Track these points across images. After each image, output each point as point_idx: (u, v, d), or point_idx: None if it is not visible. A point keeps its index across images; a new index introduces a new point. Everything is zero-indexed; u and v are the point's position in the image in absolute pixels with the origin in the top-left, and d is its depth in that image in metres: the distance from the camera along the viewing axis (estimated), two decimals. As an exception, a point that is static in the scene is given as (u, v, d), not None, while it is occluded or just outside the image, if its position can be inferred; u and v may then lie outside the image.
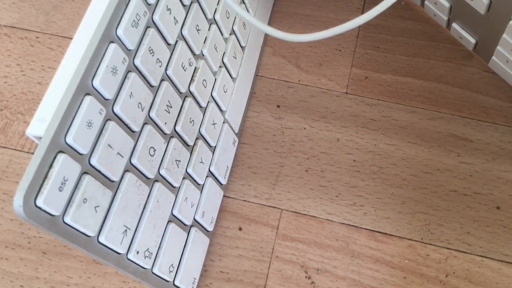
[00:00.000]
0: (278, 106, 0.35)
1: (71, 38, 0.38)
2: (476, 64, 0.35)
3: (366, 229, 0.31)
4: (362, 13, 0.38)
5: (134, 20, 0.22)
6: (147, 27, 0.23)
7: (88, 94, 0.20)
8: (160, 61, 0.24)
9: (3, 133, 0.34)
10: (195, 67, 0.28)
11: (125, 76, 0.22)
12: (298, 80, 0.36)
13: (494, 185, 0.32)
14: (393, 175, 0.32)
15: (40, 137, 0.19)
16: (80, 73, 0.19)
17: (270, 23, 0.38)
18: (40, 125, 0.20)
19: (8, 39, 0.38)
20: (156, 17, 0.23)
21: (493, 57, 0.31)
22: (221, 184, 0.31)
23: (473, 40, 0.32)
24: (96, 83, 0.20)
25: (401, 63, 0.36)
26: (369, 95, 0.35)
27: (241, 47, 0.33)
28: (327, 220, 0.31)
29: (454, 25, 0.32)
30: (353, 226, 0.31)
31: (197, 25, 0.27)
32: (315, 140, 0.34)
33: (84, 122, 0.19)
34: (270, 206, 0.32)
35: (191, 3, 0.27)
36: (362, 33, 0.37)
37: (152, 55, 0.23)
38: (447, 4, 0.31)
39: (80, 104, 0.19)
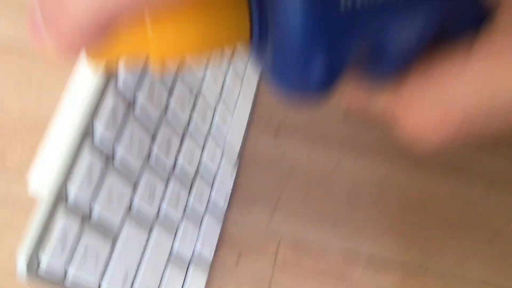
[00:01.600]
0: (278, 130, 0.35)
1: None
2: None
3: (364, 256, 0.31)
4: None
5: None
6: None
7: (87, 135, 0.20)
8: (160, 106, 0.24)
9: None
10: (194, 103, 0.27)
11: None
12: (298, 108, 0.35)
13: (494, 212, 0.32)
14: (391, 203, 0.32)
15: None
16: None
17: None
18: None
19: (3, 58, 0.37)
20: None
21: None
22: (220, 214, 0.31)
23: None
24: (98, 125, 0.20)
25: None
26: (366, 122, 0.35)
27: (240, 77, 0.33)
28: (326, 248, 0.31)
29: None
30: (351, 253, 0.31)
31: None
32: (315, 166, 0.34)
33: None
34: (269, 234, 0.32)
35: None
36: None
37: (152, 103, 0.23)
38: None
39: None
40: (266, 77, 0.13)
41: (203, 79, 0.28)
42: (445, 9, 0.12)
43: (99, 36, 0.09)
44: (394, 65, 0.13)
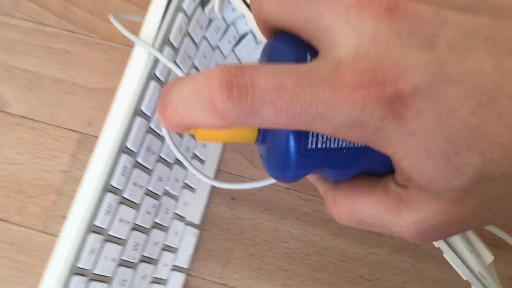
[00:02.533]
0: (233, 199, 0.44)
1: (72, 130, 0.46)
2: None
3: (293, 301, 0.42)
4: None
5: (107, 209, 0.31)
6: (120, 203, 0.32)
7: (76, 274, 0.30)
8: (128, 222, 0.33)
9: (19, 214, 0.45)
10: (159, 204, 0.37)
11: (102, 246, 0.31)
12: (250, 175, 0.44)
13: (393, 273, 0.41)
14: (316, 261, 0.42)
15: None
16: (71, 256, 0.29)
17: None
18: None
19: (19, 128, 0.47)
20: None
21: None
22: (184, 269, 0.42)
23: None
24: (81, 264, 0.30)
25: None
26: (304, 191, 0.44)
27: (201, 160, 0.42)
28: (264, 294, 0.42)
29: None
30: (282, 299, 0.42)
31: (160, 177, 0.36)
32: (260, 229, 0.43)
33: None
34: (221, 284, 0.42)
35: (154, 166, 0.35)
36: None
37: (122, 222, 0.33)
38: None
39: (68, 285, 0.29)
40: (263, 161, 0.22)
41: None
42: (372, 160, 0.19)
43: (185, 131, 0.17)
44: (335, 178, 0.21)
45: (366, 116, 0.14)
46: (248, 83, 0.14)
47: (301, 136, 0.18)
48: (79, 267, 0.30)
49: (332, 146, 0.18)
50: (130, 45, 0.48)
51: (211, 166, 0.44)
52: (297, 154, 0.18)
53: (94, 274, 0.31)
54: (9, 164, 0.46)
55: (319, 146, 0.18)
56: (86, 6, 0.51)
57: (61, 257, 0.29)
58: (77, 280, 0.30)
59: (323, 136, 0.18)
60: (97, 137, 0.46)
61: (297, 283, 0.42)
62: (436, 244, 0.29)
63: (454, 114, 0.14)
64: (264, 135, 0.20)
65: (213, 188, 0.44)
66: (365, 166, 0.19)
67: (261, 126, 0.15)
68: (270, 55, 0.19)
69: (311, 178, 0.22)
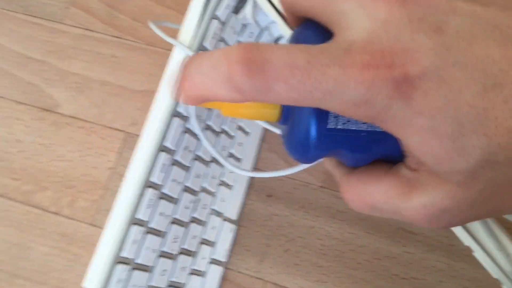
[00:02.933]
0: (269, 196, 0.45)
1: (118, 129, 0.49)
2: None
3: (327, 296, 0.43)
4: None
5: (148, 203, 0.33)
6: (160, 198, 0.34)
7: (119, 263, 0.32)
8: (167, 215, 0.35)
9: (70, 208, 0.48)
10: (197, 199, 0.39)
11: (144, 238, 0.34)
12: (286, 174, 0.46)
13: (428, 272, 0.41)
14: (351, 258, 0.43)
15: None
16: (115, 248, 0.31)
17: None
18: (90, 284, 0.32)
19: (69, 128, 0.50)
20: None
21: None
22: (222, 262, 0.43)
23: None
24: (124, 254, 0.32)
25: (369, 162, 0.44)
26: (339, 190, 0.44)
27: (238, 158, 0.43)
28: (299, 289, 0.43)
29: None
30: (317, 295, 0.43)
31: (197, 174, 0.38)
32: (295, 226, 0.44)
33: (118, 282, 0.32)
34: (257, 278, 0.44)
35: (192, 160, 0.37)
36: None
37: (167, 218, 0.35)
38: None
39: (113, 273, 0.32)
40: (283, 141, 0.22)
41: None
42: (388, 146, 0.19)
43: (200, 103, 0.18)
44: (352, 162, 0.21)
45: (374, 95, 0.15)
46: (263, 60, 0.15)
47: (322, 115, 0.18)
48: (123, 256, 0.32)
49: (351, 128, 0.19)
50: (170, 49, 0.50)
51: (247, 165, 0.45)
52: (317, 133, 0.19)
53: (137, 263, 0.33)
54: (61, 161, 0.49)
55: (339, 126, 0.18)
56: (130, 13, 0.53)
57: (106, 247, 0.32)
58: (121, 268, 0.32)
59: (343, 117, 0.18)
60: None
61: (331, 280, 0.43)
62: (466, 242, 0.29)
63: (460, 96, 0.14)
64: (287, 114, 0.21)
65: (250, 186, 0.46)
66: (381, 151, 0.19)
67: (274, 102, 0.16)
68: (294, 41, 0.20)
69: (329, 163, 0.23)
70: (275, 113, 0.21)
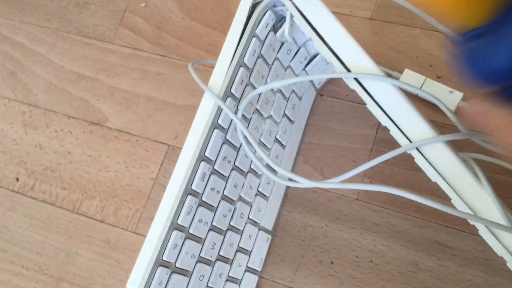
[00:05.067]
0: (304, 208, 0.47)
1: (161, 142, 0.52)
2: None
3: (361, 308, 0.43)
4: (377, 128, 0.47)
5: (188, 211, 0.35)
6: (198, 206, 0.36)
7: (160, 265, 0.34)
8: (206, 222, 0.37)
9: (114, 216, 0.51)
10: (234, 208, 0.40)
11: (183, 243, 0.35)
12: (321, 187, 0.47)
13: (463, 286, 0.41)
14: (385, 271, 0.43)
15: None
16: (157, 249, 0.33)
17: (303, 137, 0.48)
18: (133, 285, 0.34)
19: (116, 140, 0.53)
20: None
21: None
22: (257, 271, 0.45)
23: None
24: (165, 257, 0.34)
25: (404, 176, 0.45)
26: (374, 202, 0.45)
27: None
28: (332, 300, 0.44)
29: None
30: (351, 306, 0.43)
31: (235, 184, 0.39)
32: (329, 237, 0.45)
33: (158, 284, 0.34)
34: (291, 287, 0.45)
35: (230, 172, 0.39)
36: (376, 147, 0.46)
37: (204, 224, 0.37)
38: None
39: (154, 275, 0.34)
40: (462, 61, 0.19)
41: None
42: None
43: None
44: None
45: None
46: None
47: None
48: (164, 260, 0.34)
49: None
50: (213, 67, 0.53)
51: (283, 177, 0.47)
52: None
53: (176, 267, 0.35)
54: (107, 171, 0.52)
55: None
56: (176, 34, 0.57)
57: (149, 250, 0.34)
58: (161, 271, 0.34)
59: None
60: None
61: (365, 291, 0.43)
62: (499, 253, 0.30)
63: None
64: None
65: (286, 197, 0.47)
66: None
67: None
68: None
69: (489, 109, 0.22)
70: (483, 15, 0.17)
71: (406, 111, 0.32)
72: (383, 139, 0.47)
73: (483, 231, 0.30)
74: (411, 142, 0.32)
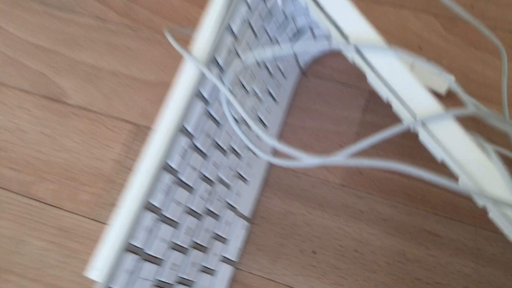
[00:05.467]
0: (285, 193, 0.43)
1: (126, 121, 0.47)
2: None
3: (344, 302, 0.40)
4: (364, 111, 0.44)
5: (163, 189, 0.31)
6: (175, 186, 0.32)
7: (129, 251, 0.29)
8: (182, 204, 0.33)
9: (70, 200, 0.45)
10: (213, 191, 0.36)
11: (158, 227, 0.31)
12: (304, 170, 0.43)
13: (453, 277, 0.39)
14: (370, 261, 0.40)
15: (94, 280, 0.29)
16: (126, 234, 0.29)
17: (286, 118, 0.45)
18: (95, 273, 0.29)
19: (76, 118, 0.48)
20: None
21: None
22: (233, 262, 0.41)
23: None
24: (135, 242, 0.29)
25: (395, 159, 0.42)
26: (360, 188, 0.42)
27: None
28: (314, 293, 0.40)
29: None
30: (334, 300, 0.40)
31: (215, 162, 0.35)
32: (311, 225, 0.42)
33: (126, 273, 0.29)
34: (269, 279, 0.41)
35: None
36: (361, 130, 0.44)
37: (179, 205, 0.32)
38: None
39: (121, 261, 0.29)
40: None
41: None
42: None
43: None
44: None
45: None
46: None
47: None
48: (133, 245, 0.30)
49: None
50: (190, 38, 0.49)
51: (284, 153, 0.43)
52: None
53: (148, 254, 0.31)
54: (64, 152, 0.47)
55: None
56: (147, 5, 0.52)
57: (116, 233, 0.29)
58: (130, 258, 0.29)
59: None
60: (151, 128, 0.46)
61: (349, 283, 0.40)
62: (481, 201, 0.27)
63: None
64: None
65: (265, 182, 0.43)
66: None
67: None
68: None
69: None
70: None
71: (411, 84, 0.30)
72: (368, 122, 0.44)
73: (493, 213, 0.28)
74: (415, 118, 0.29)
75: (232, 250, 0.40)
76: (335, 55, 0.46)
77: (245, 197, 0.41)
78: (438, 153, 0.29)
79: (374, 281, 0.40)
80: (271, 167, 0.44)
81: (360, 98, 0.44)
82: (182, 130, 0.31)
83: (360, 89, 0.44)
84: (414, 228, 0.41)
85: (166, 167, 0.31)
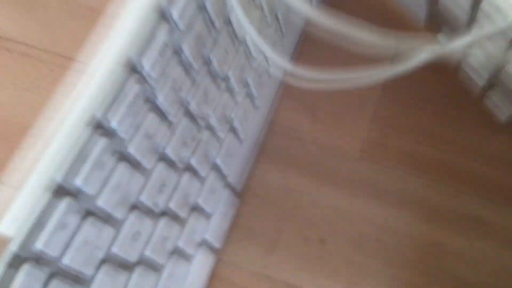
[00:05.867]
0: (286, 165, 0.33)
1: (75, 60, 0.36)
2: (506, 139, 0.32)
3: (362, 310, 0.29)
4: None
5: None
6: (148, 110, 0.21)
7: (68, 195, 0.18)
8: (156, 142, 0.22)
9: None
10: (199, 139, 0.25)
11: (113, 168, 0.20)
12: (312, 137, 0.33)
13: (500, 275, 0.30)
14: (397, 254, 0.30)
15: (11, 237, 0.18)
16: (64, 170, 0.18)
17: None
18: (12, 225, 0.18)
19: (7, 54, 0.36)
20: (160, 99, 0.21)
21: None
22: (215, 249, 0.29)
23: (507, 113, 0.30)
24: (79, 182, 0.18)
25: (424, 131, 0.33)
26: (385, 162, 0.32)
27: (254, 105, 0.31)
28: (321, 297, 0.30)
29: (490, 95, 0.30)
30: (348, 306, 0.29)
31: (205, 94, 0.25)
32: (321, 207, 0.32)
33: (58, 225, 0.18)
34: (262, 275, 0.30)
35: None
36: (386, 93, 0.34)
37: (149, 139, 0.21)
38: (485, 74, 0.28)
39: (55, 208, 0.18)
40: None
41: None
42: None
43: None
44: None
45: None
46: None
47: None
48: (74, 185, 0.18)
49: None
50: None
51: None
52: None
53: (96, 206, 0.19)
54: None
55: None
56: None
57: (46, 165, 0.18)
58: (67, 203, 0.18)
59: None
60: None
61: (368, 282, 0.30)
62: None
63: None
64: None
65: (262, 147, 0.33)
66: None
67: None
68: None
69: None
70: None
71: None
72: (395, 85, 0.35)
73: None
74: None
75: (215, 230, 0.29)
76: None
77: (236, 161, 0.30)
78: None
79: (399, 280, 0.30)
80: (269, 127, 0.34)
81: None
82: (165, 16, 0.21)
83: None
84: (454, 213, 0.31)
85: (133, 67, 0.20)
